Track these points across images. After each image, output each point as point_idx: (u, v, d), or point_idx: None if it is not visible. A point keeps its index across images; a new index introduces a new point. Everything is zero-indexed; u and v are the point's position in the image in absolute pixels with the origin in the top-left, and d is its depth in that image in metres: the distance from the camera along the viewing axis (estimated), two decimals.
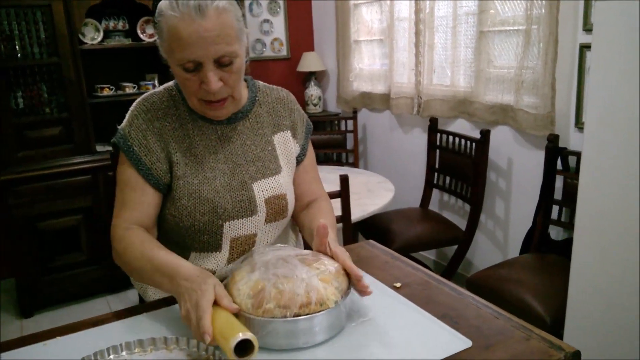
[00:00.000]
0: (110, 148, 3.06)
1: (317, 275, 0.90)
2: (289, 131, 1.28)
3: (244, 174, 1.19)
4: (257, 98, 1.26)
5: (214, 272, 1.18)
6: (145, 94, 1.20)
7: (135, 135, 1.14)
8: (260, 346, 0.86)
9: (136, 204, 1.13)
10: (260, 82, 1.31)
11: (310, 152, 1.35)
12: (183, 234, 1.16)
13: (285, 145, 1.26)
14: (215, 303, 0.88)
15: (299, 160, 1.31)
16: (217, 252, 1.18)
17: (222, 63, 1.04)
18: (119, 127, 1.17)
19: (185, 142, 1.16)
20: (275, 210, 1.22)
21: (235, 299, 0.90)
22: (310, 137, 1.35)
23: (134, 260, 1.06)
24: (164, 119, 1.16)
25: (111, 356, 0.88)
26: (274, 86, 1.33)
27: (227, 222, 1.16)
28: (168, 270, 0.98)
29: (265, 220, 1.21)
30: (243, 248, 1.19)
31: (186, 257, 1.18)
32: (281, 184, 1.23)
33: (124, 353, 0.88)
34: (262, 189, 1.20)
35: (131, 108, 1.18)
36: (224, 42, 1.01)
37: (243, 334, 0.79)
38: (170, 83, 1.22)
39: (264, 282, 0.89)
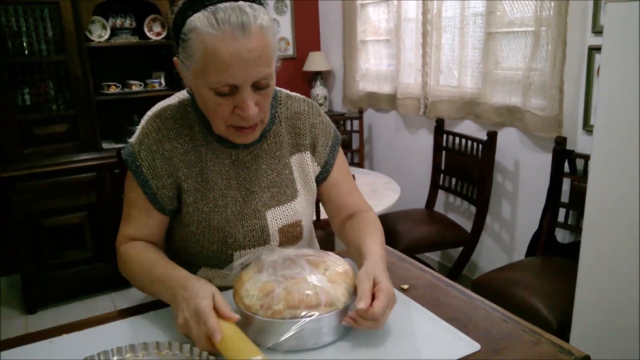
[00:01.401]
0: (115, 145, 3.07)
1: (325, 276, 0.89)
2: (308, 152, 1.16)
3: (257, 202, 1.11)
4: (277, 114, 1.14)
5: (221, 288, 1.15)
6: (158, 107, 1.10)
7: (145, 156, 1.06)
8: (269, 347, 0.86)
9: (140, 225, 1.09)
10: (283, 92, 1.18)
11: (340, 164, 1.22)
12: (192, 256, 1.13)
13: (302, 167, 1.16)
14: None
15: (322, 178, 1.20)
16: (228, 272, 1.15)
17: (259, 86, 0.96)
18: (129, 141, 1.10)
19: (197, 167, 1.08)
20: (289, 238, 1.15)
21: (244, 299, 0.89)
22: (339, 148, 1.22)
23: (135, 273, 1.04)
24: (176, 139, 1.07)
25: None
26: (297, 96, 1.20)
27: (238, 252, 1.10)
28: (165, 280, 0.95)
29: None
30: None
31: (196, 270, 1.15)
32: (297, 210, 1.15)
33: (114, 358, 0.86)
34: (276, 218, 1.12)
35: (142, 123, 1.09)
36: (264, 63, 0.93)
37: (262, 357, 0.79)
38: (186, 96, 1.12)
39: (273, 284, 0.88)
